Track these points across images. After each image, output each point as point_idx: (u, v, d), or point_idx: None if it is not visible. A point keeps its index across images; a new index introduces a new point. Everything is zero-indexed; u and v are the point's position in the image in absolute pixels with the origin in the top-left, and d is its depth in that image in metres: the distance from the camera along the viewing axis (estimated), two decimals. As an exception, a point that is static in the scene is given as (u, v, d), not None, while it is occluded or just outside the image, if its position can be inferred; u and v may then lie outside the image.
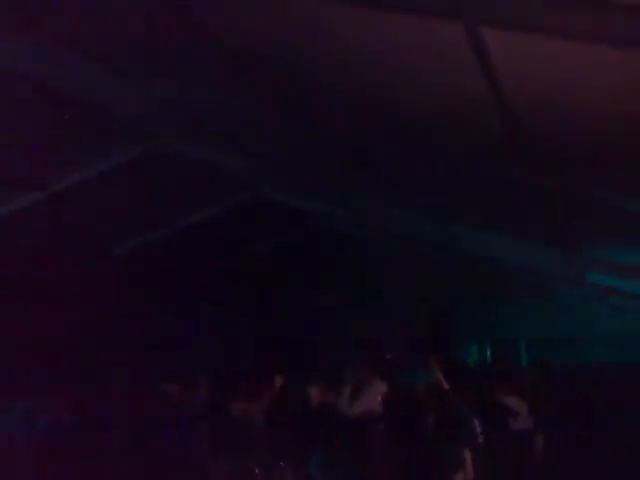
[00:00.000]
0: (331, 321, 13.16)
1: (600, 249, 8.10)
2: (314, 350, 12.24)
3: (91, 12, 3.74)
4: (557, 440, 8.05)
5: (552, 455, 7.85)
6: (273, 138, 6.26)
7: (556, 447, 8.01)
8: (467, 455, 5.80)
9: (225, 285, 11.97)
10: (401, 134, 4.94)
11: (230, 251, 11.42)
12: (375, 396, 7.21)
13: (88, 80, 5.15)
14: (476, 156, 5.07)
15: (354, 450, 6.56)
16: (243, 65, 4.23)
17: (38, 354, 8.46)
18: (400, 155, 5.69)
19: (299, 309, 13.15)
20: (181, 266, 10.98)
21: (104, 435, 7.19)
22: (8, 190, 7.21)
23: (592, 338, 12.32)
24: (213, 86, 4.91)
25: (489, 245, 9.74)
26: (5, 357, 7.86)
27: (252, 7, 3.28)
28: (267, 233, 11.38)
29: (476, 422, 6.00)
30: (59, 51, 4.52)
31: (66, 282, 9.01)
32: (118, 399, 7.82)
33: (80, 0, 3.67)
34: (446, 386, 6.28)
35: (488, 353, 13.42)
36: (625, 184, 4.98)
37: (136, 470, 7.02)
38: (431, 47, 3.11)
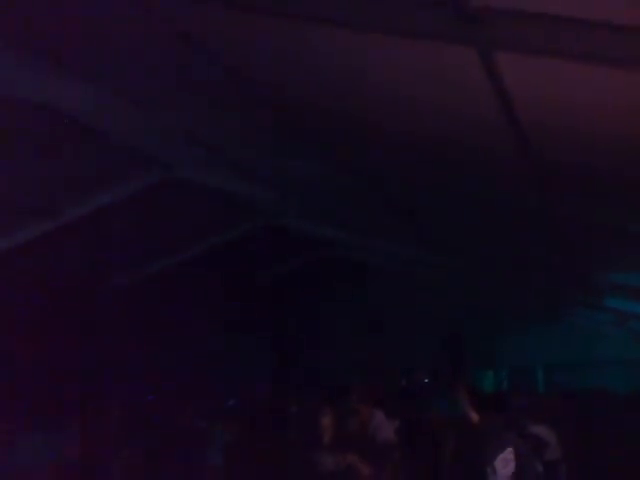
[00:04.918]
0: (341, 350, 12.96)
1: (617, 273, 7.99)
2: (325, 377, 12.07)
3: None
4: (578, 468, 7.87)
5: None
6: (289, 165, 6.20)
7: (577, 476, 7.83)
8: None
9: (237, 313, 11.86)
10: (415, 162, 4.86)
11: (241, 278, 11.34)
12: (385, 426, 7.02)
13: (103, 109, 5.07)
14: (491, 184, 4.99)
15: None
16: (252, 95, 4.18)
17: (40, 386, 8.32)
18: (415, 184, 5.62)
19: (310, 335, 13.02)
20: (192, 294, 10.88)
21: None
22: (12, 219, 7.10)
23: (610, 363, 12.14)
24: (230, 117, 4.87)
25: (504, 271, 9.63)
26: (6, 390, 7.70)
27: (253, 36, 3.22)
28: (280, 259, 11.29)
29: (509, 454, 5.52)
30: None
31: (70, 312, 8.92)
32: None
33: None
34: (475, 419, 5.75)
35: (505, 380, 13.22)
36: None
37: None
38: (444, 73, 3.04)
